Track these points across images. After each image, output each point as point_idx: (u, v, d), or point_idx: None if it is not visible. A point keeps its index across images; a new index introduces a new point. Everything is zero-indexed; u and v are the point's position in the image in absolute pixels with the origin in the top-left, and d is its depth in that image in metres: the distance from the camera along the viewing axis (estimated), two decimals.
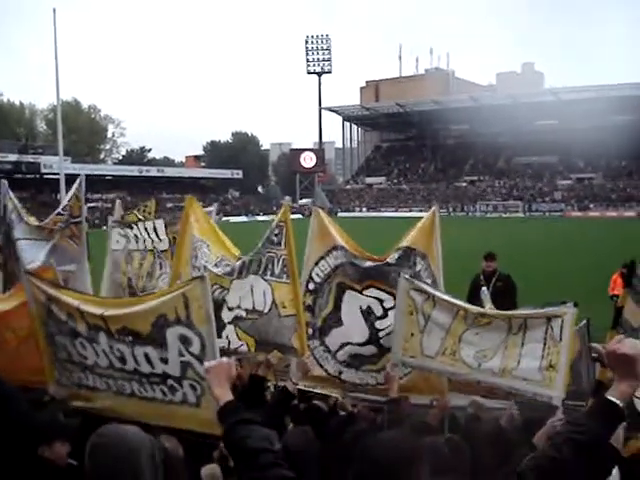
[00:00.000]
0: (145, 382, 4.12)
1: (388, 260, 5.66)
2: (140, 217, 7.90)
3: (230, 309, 5.27)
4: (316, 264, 5.88)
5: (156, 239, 7.53)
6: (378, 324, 5.67)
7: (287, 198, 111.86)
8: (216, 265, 5.77)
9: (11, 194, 8.06)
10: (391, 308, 5.57)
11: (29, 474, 3.58)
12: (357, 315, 5.72)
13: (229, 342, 5.27)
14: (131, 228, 7.71)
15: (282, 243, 5.33)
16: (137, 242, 7.59)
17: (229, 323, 5.28)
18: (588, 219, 74.13)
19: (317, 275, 5.88)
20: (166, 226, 7.66)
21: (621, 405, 2.43)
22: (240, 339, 5.33)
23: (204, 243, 5.85)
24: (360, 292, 5.74)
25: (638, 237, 42.90)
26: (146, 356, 4.02)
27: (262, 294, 5.32)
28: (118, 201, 9.34)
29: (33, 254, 7.49)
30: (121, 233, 7.61)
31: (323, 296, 5.83)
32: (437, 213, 5.81)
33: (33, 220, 7.96)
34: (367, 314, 5.70)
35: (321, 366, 5.75)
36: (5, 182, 8.12)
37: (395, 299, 5.46)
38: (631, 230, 50.10)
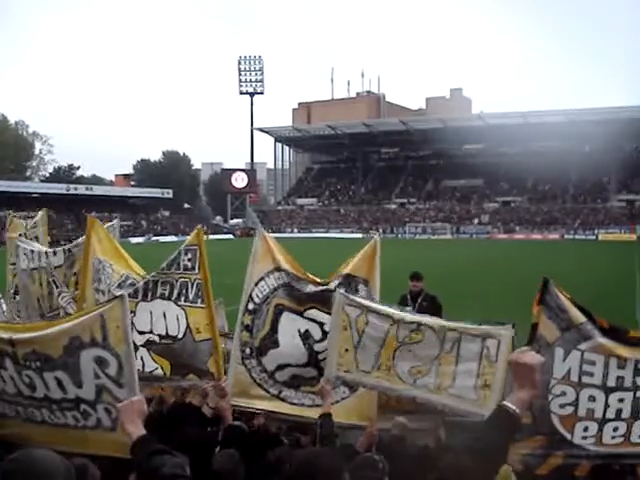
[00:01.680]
0: (56, 409, 3.99)
1: (329, 287, 5.67)
2: (27, 230, 7.67)
3: (141, 333, 5.18)
4: (256, 285, 5.85)
5: (51, 255, 7.21)
6: (317, 347, 5.65)
7: (218, 218, 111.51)
8: (119, 286, 5.69)
9: None
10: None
11: None
12: (295, 337, 5.70)
13: (143, 364, 5.18)
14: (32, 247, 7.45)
15: (196, 267, 5.27)
16: (34, 260, 7.30)
17: (142, 346, 5.19)
18: (513, 241, 76.01)
19: (257, 296, 5.83)
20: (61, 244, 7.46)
21: (518, 412, 2.54)
22: (155, 361, 5.26)
23: (107, 263, 5.77)
24: (301, 313, 5.73)
25: (561, 258, 44.26)
26: (57, 381, 3.88)
27: (175, 319, 5.25)
28: (9, 217, 9.00)
29: None
30: (26, 251, 7.35)
31: (261, 317, 5.79)
32: (378, 241, 5.88)
33: None
34: (305, 337, 5.68)
35: (260, 386, 5.71)
36: None
37: None
38: (554, 252, 51.59)
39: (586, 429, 4.18)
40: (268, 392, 5.71)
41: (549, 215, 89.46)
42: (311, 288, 5.77)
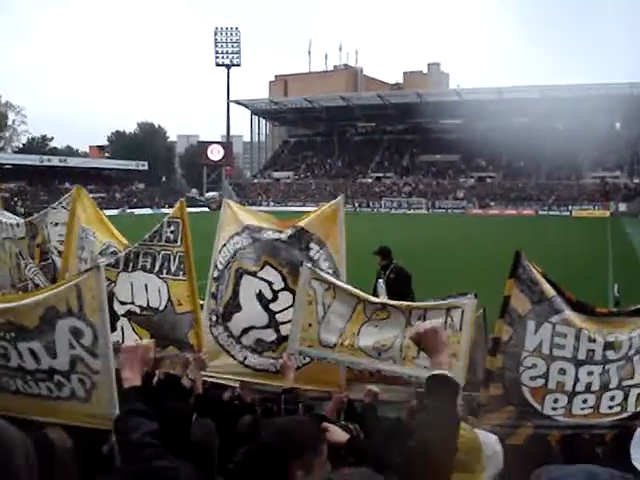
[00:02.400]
0: (30, 379, 3.98)
1: (281, 237, 5.67)
2: None
3: (122, 303, 5.18)
4: (220, 252, 5.89)
5: (15, 226, 7.14)
6: (272, 306, 5.68)
7: (194, 191, 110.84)
8: (101, 254, 5.68)
9: None
10: (280, 290, 5.62)
11: None
12: (253, 299, 5.73)
13: (123, 335, 5.18)
14: None
15: (178, 240, 5.26)
16: (5, 230, 7.22)
17: (122, 316, 5.18)
18: (488, 216, 76.48)
19: (220, 263, 5.88)
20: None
21: (447, 374, 2.60)
22: (135, 332, 5.26)
23: (90, 231, 5.76)
24: (255, 274, 5.73)
25: (535, 233, 44.66)
26: (31, 351, 3.87)
27: (157, 291, 5.24)
28: None
29: None
30: None
31: (224, 282, 5.82)
32: (342, 204, 5.80)
33: None
34: (260, 297, 5.72)
35: (227, 352, 5.73)
36: None
37: (283, 279, 5.56)
38: (528, 227, 52.01)
39: (556, 401, 4.26)
40: (235, 358, 5.74)
41: (524, 191, 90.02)
42: (268, 235, 5.76)
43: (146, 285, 5.25)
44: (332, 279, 5.12)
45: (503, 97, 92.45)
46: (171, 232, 5.26)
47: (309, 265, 5.18)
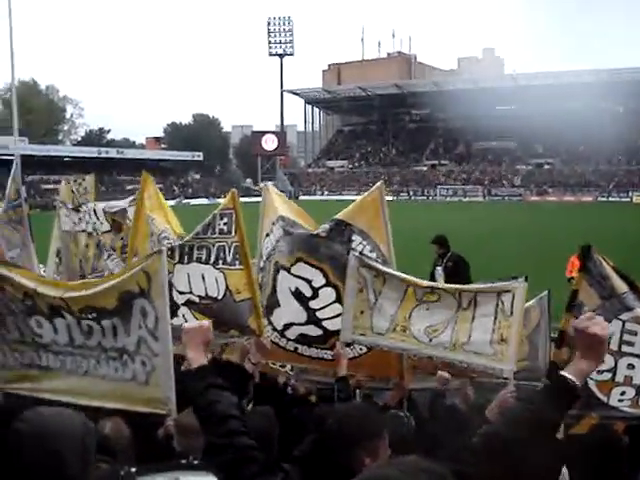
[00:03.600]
0: (103, 357, 4.07)
1: (319, 232, 5.57)
2: (77, 196, 7.80)
3: (181, 293, 5.23)
4: (263, 241, 5.87)
5: (97, 221, 7.43)
6: (312, 304, 5.59)
7: (248, 181, 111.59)
8: (159, 241, 5.75)
9: None
10: (322, 287, 5.53)
11: None
12: (290, 297, 5.66)
13: (185, 320, 5.24)
14: (77, 211, 7.61)
15: (232, 230, 5.28)
16: (81, 223, 7.48)
17: (182, 305, 5.24)
18: (546, 203, 75.21)
19: (263, 253, 5.86)
20: (105, 212, 7.61)
21: (578, 384, 2.36)
22: (196, 319, 5.31)
23: (150, 218, 5.84)
24: (288, 270, 5.64)
25: (594, 220, 43.74)
26: (114, 328, 3.98)
27: (214, 281, 5.28)
28: (63, 182, 9.21)
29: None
30: (66, 214, 7.50)
31: (267, 275, 5.80)
32: (382, 190, 5.64)
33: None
34: (297, 295, 5.62)
35: (276, 343, 5.74)
36: None
37: (324, 275, 5.47)
38: (588, 214, 50.99)
39: (623, 393, 4.17)
40: (285, 349, 5.73)
41: (582, 177, 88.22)
42: (303, 231, 5.68)
43: (203, 275, 5.29)
44: (380, 266, 5.07)
45: (561, 81, 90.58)
46: (224, 224, 5.28)
47: (356, 253, 5.13)
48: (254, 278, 5.40)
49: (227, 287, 5.28)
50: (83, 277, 7.07)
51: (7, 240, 7.45)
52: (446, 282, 9.88)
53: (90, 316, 3.98)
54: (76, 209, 7.53)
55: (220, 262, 5.30)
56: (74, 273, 7.36)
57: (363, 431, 2.68)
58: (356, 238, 5.47)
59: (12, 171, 7.79)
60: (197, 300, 5.29)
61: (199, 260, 5.30)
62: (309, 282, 5.59)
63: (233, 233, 5.28)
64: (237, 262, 5.31)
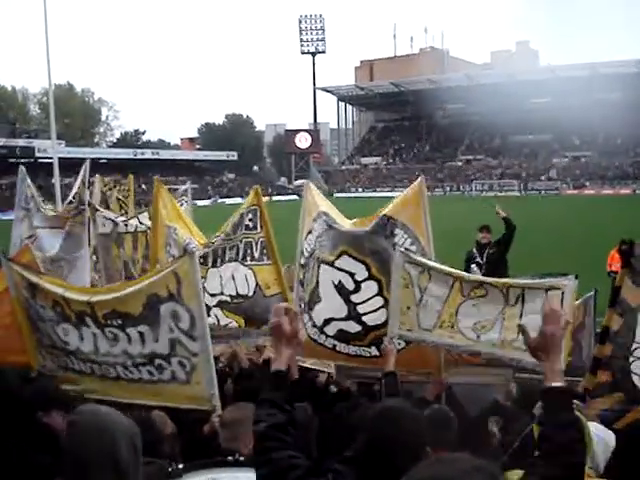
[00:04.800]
0: (130, 364, 4.09)
1: (365, 228, 5.57)
2: (120, 197, 7.85)
3: (212, 295, 5.26)
4: (305, 239, 5.86)
5: (147, 223, 7.50)
6: (354, 298, 5.57)
7: (282, 179, 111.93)
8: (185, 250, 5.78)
9: (29, 181, 8.11)
10: (364, 280, 5.51)
11: (29, 438, 3.55)
12: (332, 290, 5.65)
13: (218, 320, 5.28)
14: (125, 214, 7.72)
15: (258, 226, 5.30)
16: (127, 225, 7.55)
17: (214, 306, 5.27)
18: (584, 197, 74.23)
19: (306, 250, 5.84)
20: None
21: (565, 386, 2.41)
22: (228, 318, 5.34)
23: (172, 228, 5.85)
24: (332, 264, 5.62)
25: (633, 214, 43.05)
26: (140, 335, 4.00)
27: (244, 279, 5.33)
28: (96, 183, 9.35)
29: (50, 243, 7.54)
30: (107, 217, 7.56)
31: (309, 271, 5.79)
32: (423, 185, 5.64)
33: (49, 209, 8.00)
34: (340, 288, 5.61)
35: (315, 340, 5.72)
36: (23, 168, 8.19)
37: (367, 269, 5.44)
38: (627, 207, 50.20)
39: None
40: (324, 346, 5.72)
41: (621, 169, 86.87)
42: (345, 229, 5.66)
43: (233, 275, 5.34)
44: (425, 261, 5.04)
45: (597, 72, 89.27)
46: (250, 220, 5.34)
47: (402, 249, 5.11)
48: (282, 274, 5.42)
49: (257, 283, 5.33)
50: (130, 278, 7.13)
51: (75, 240, 7.51)
52: (489, 273, 9.92)
53: (115, 323, 4.00)
54: (125, 212, 7.64)
55: (248, 258, 5.36)
56: (116, 274, 7.43)
57: (419, 433, 2.66)
58: (398, 232, 5.47)
59: (80, 174, 7.91)
60: (229, 300, 5.35)
61: (230, 260, 5.34)
62: (352, 275, 5.58)
63: (259, 229, 5.33)
64: (265, 257, 5.35)
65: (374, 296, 5.50)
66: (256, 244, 5.36)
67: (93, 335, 4.09)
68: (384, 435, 2.63)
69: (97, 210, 7.64)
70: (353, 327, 5.62)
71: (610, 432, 3.70)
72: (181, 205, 7.35)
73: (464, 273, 5.02)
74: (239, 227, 5.36)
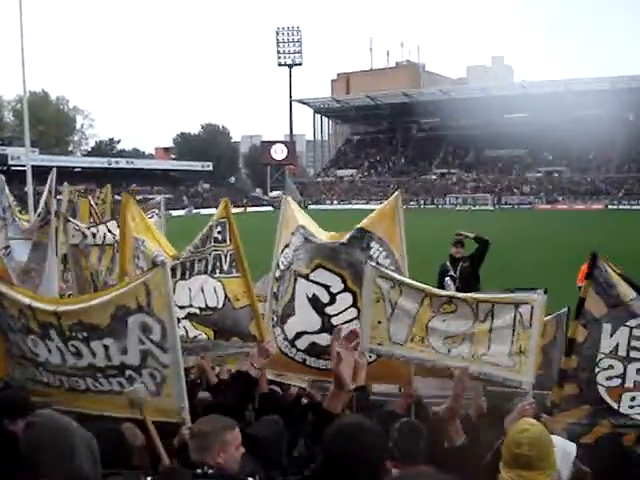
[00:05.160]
0: (100, 376, 4.06)
1: (340, 240, 5.60)
2: (93, 205, 7.79)
3: (181, 307, 5.24)
4: (282, 252, 5.88)
5: (116, 234, 7.45)
6: (328, 310, 5.60)
7: (258, 190, 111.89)
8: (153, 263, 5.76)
9: (7, 191, 8.04)
10: (340, 292, 5.53)
11: None
12: (306, 303, 5.67)
13: (187, 331, 5.27)
14: (92, 227, 7.66)
15: (227, 239, 5.32)
16: (94, 237, 7.50)
17: (183, 318, 5.25)
18: (557, 212, 74.99)
19: (282, 263, 5.86)
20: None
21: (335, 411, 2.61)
22: (197, 330, 5.34)
23: (140, 240, 5.83)
24: (306, 277, 5.64)
25: (605, 228, 43.58)
26: (105, 348, 3.96)
27: (213, 291, 5.32)
28: (64, 192, 9.28)
29: (20, 253, 7.48)
30: (76, 228, 7.51)
31: (284, 284, 5.81)
32: (399, 200, 5.70)
33: (24, 219, 7.96)
34: (314, 302, 5.63)
35: (285, 354, 5.73)
36: (2, 177, 8.12)
37: (343, 281, 5.47)
38: (599, 222, 50.80)
39: (633, 399, 4.16)
40: (294, 360, 5.73)
41: (593, 185, 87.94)
42: (321, 241, 5.69)
43: (202, 287, 5.34)
44: (396, 275, 5.08)
45: (570, 89, 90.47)
46: (218, 232, 5.35)
47: (373, 263, 5.15)
48: (252, 287, 5.44)
49: (226, 295, 5.32)
50: (96, 290, 7.09)
51: (43, 249, 7.45)
52: (462, 284, 10.00)
53: (80, 336, 3.96)
54: (95, 223, 7.59)
55: (217, 271, 5.36)
56: (87, 286, 7.37)
57: (379, 449, 2.66)
58: (374, 245, 5.52)
59: (48, 184, 7.82)
60: (198, 312, 5.33)
61: (199, 272, 5.34)
62: (327, 288, 5.60)
63: (228, 241, 5.34)
64: (234, 270, 5.35)
65: (348, 307, 5.52)
66: (225, 257, 5.37)
67: (57, 349, 4.05)
68: (343, 452, 2.63)
69: (68, 220, 7.58)
70: (326, 340, 5.62)
71: (571, 443, 3.75)
72: (151, 217, 7.32)
73: (434, 289, 5.05)
74: (208, 239, 5.36)
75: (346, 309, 5.53)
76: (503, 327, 4.61)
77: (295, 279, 5.73)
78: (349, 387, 3.18)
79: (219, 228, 5.35)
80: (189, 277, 5.33)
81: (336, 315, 5.57)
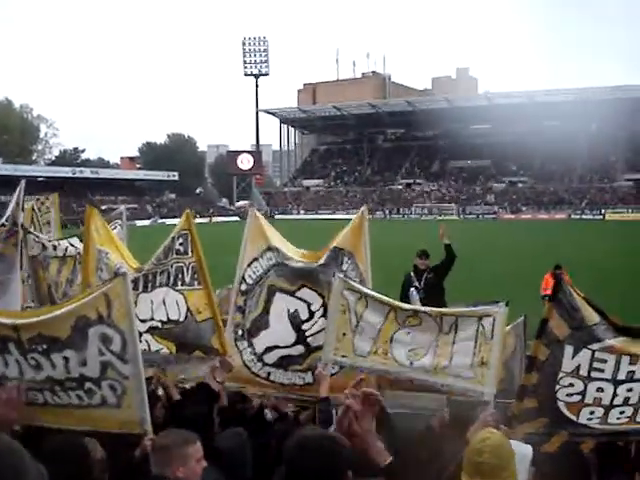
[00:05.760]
0: (59, 389, 4.01)
1: (319, 261, 5.64)
2: (37, 215, 7.69)
3: (143, 321, 5.21)
4: (249, 265, 5.85)
5: (78, 247, 7.37)
6: (305, 327, 5.62)
7: (224, 200, 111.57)
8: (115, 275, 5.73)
9: None
10: (317, 310, 5.57)
11: None
12: (284, 318, 5.67)
13: (149, 345, 5.23)
14: (49, 240, 7.57)
15: (189, 251, 5.31)
16: (55, 250, 7.41)
17: (145, 332, 5.22)
18: (521, 221, 75.93)
19: (249, 277, 5.82)
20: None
21: None
22: (159, 343, 5.31)
23: (104, 252, 5.79)
24: (292, 293, 5.68)
25: (568, 238, 44.19)
26: (65, 360, 3.91)
27: (175, 304, 5.29)
28: (26, 203, 9.10)
29: None
30: (36, 240, 7.42)
31: (253, 298, 5.78)
32: (366, 214, 5.79)
33: None
34: (293, 317, 5.65)
35: (249, 368, 5.71)
36: None
37: (323, 301, 5.49)
38: (561, 232, 51.47)
39: (592, 413, 4.22)
40: (258, 375, 5.71)
41: (556, 195, 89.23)
42: (300, 265, 5.72)
43: (164, 300, 5.30)
44: (363, 288, 5.11)
45: (534, 100, 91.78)
46: (180, 244, 5.33)
47: (341, 275, 5.18)
48: (213, 299, 5.43)
49: (188, 308, 5.29)
50: (53, 302, 7.00)
51: (8, 261, 7.31)
52: (426, 296, 10.03)
53: (40, 348, 3.91)
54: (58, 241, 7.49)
55: (179, 283, 5.34)
56: (45, 298, 7.27)
57: (340, 462, 2.67)
58: (345, 260, 5.60)
59: (15, 195, 7.67)
60: (160, 325, 5.30)
61: (161, 285, 5.32)
62: (309, 305, 5.64)
63: (190, 253, 5.32)
64: (196, 282, 5.33)
65: (320, 317, 5.55)
66: (187, 268, 5.34)
67: (16, 362, 3.99)
68: (303, 466, 2.63)
69: (29, 232, 7.48)
70: (298, 350, 5.65)
71: (526, 445, 3.80)
72: (114, 228, 7.25)
73: (400, 303, 5.09)
74: (170, 251, 5.34)
75: (318, 319, 5.56)
76: (466, 339, 4.67)
77: (273, 293, 5.73)
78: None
79: (181, 240, 5.33)
80: (151, 289, 5.30)
81: (312, 335, 5.59)
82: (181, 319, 5.29)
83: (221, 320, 5.48)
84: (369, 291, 5.12)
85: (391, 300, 5.05)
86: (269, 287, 5.75)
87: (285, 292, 5.70)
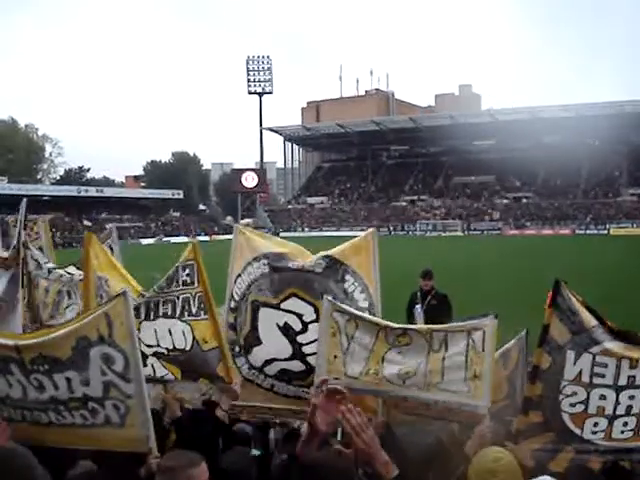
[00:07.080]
0: (63, 409, 4.01)
1: (315, 269, 5.58)
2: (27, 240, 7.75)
3: (148, 346, 5.20)
4: (235, 282, 5.84)
5: (73, 273, 7.39)
6: (300, 339, 5.56)
7: (229, 218, 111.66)
8: None
9: None
10: (312, 322, 5.50)
11: None
12: (275, 332, 5.62)
13: (154, 370, 5.22)
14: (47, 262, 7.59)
15: (195, 281, 5.30)
16: (49, 274, 7.41)
17: (151, 355, 5.21)
18: (525, 237, 75.82)
19: (236, 293, 5.81)
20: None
21: None
22: (165, 368, 5.29)
23: (103, 278, 5.79)
24: (277, 306, 5.61)
25: (572, 253, 44.11)
26: (67, 381, 3.91)
27: (182, 334, 5.28)
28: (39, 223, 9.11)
29: None
30: (33, 257, 7.43)
31: (241, 315, 5.76)
32: (375, 235, 5.71)
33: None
34: (285, 330, 5.59)
35: (251, 382, 5.69)
36: None
37: (315, 311, 5.44)
38: (566, 247, 51.39)
39: (596, 425, 4.20)
40: (261, 386, 5.69)
41: (560, 210, 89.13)
42: (294, 264, 5.66)
43: (170, 330, 5.29)
44: (352, 310, 5.08)
45: (537, 116, 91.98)
46: (187, 275, 5.31)
47: (329, 297, 5.13)
48: (220, 325, 5.41)
49: (194, 338, 5.28)
50: (40, 323, 6.99)
51: (14, 283, 7.34)
52: (427, 320, 9.87)
53: (42, 368, 3.91)
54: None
55: (186, 314, 5.31)
56: (37, 318, 7.28)
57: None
58: (349, 278, 5.52)
59: (20, 214, 7.69)
60: (165, 352, 5.28)
61: (165, 315, 5.30)
62: (300, 316, 5.57)
63: (196, 284, 5.30)
64: (202, 312, 5.31)
65: (316, 329, 5.51)
66: (194, 299, 5.33)
67: (19, 382, 3.99)
68: None
69: (28, 249, 7.50)
70: (297, 366, 5.60)
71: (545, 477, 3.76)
72: (110, 247, 7.26)
73: (390, 323, 5.04)
74: (173, 281, 5.32)
75: (317, 339, 5.53)
76: (456, 354, 4.65)
77: (257, 308, 5.70)
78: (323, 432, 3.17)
79: (187, 270, 5.31)
80: (154, 318, 5.28)
81: (307, 344, 5.53)
82: (187, 348, 5.27)
83: (228, 348, 5.47)
84: (358, 312, 5.09)
85: (380, 320, 5.02)
86: (252, 303, 5.71)
87: (269, 306, 5.65)
